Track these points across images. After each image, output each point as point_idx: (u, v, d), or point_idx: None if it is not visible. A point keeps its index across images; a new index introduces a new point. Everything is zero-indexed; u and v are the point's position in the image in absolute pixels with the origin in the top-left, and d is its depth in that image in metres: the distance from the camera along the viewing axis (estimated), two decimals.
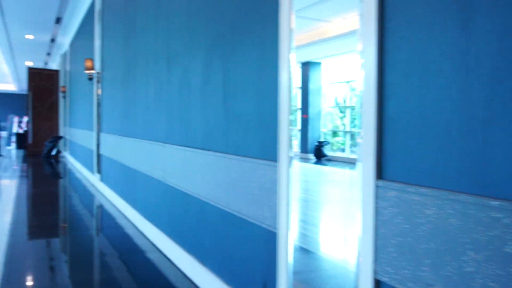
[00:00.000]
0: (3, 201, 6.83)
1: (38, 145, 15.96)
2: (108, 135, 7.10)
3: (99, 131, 7.94)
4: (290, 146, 2.24)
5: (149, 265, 4.02)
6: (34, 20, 11.41)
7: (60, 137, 15.10)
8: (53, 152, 14.86)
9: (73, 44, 13.04)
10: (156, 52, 4.54)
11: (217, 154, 3.06)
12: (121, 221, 5.73)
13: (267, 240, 2.46)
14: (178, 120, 3.85)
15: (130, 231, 5.22)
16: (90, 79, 8.16)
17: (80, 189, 8.47)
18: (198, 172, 3.39)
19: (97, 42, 8.10)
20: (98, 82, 8.01)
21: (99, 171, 7.92)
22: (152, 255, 4.25)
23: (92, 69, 8.01)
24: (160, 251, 4.31)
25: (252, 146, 2.63)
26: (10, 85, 34.47)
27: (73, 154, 12.94)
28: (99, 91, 7.86)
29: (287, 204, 2.24)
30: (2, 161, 13.34)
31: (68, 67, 14.17)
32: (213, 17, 3.20)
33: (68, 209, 6.80)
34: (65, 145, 15.29)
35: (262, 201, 2.49)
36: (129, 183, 5.76)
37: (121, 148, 6.15)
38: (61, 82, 15.96)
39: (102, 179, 7.75)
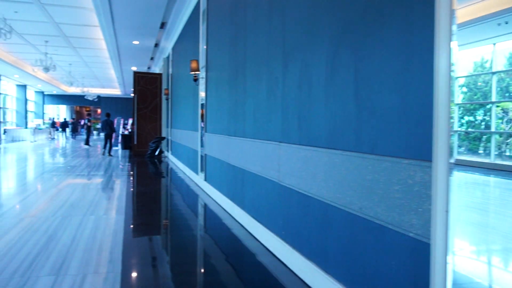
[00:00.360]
0: (115, 200, 7.13)
1: (142, 146, 16.79)
2: (213, 135, 7.14)
3: (203, 131, 8.03)
4: (448, 143, 1.93)
5: (261, 269, 3.87)
6: (141, 26, 11.97)
7: (163, 138, 15.74)
8: (156, 152, 15.53)
9: (175, 47, 13.50)
10: (269, 48, 4.39)
11: (345, 153, 2.81)
12: (227, 221, 5.69)
13: (415, 251, 2.16)
14: (296, 117, 3.66)
15: (238, 232, 5.13)
16: (195, 80, 8.31)
17: (184, 188, 8.65)
18: (321, 173, 3.16)
19: (202, 43, 8.23)
20: (203, 82, 8.13)
21: (203, 171, 8.02)
22: (264, 259, 4.10)
23: (197, 70, 8.14)
24: (273, 255, 4.15)
25: (393, 144, 2.34)
26: (116, 90, 37.00)
27: (175, 154, 13.39)
28: (204, 92, 7.96)
29: (446, 211, 1.93)
30: (111, 161, 14.16)
31: (170, 70, 14.73)
32: (338, 5, 2.96)
33: (173, 208, 6.93)
34: (167, 145, 15.91)
35: (407, 206, 2.20)
36: (237, 183, 5.70)
37: (228, 148, 6.12)
38: (164, 85, 16.65)
39: (206, 179, 7.83)
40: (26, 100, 31.14)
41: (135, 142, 16.79)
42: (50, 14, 12.36)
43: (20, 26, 14.10)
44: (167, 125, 16.27)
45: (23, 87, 30.67)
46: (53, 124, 35.74)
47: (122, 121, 23.85)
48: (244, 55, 5.37)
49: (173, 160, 13.75)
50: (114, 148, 20.78)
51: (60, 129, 35.45)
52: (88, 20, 12.97)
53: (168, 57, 15.78)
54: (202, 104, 8.31)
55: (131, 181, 9.63)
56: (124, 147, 20.00)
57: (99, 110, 41.97)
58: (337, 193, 2.92)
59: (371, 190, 2.52)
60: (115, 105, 39.02)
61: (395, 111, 2.32)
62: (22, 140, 25.51)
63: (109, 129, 16.24)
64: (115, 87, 34.74)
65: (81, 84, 29.50)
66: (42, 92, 36.45)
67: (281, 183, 3.99)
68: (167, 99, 15.24)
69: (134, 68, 20.08)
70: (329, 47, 3.08)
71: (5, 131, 25.66)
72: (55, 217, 5.51)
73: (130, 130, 21.29)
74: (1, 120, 26.57)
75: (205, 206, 6.86)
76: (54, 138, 31.32)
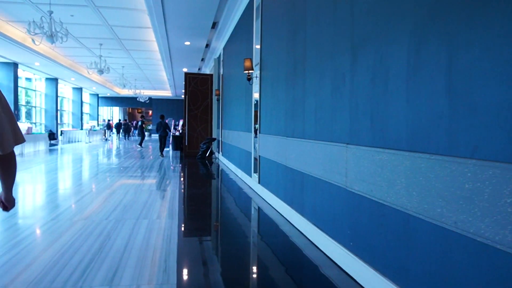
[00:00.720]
0: (168, 203, 6.99)
1: (193, 147, 16.79)
2: (269, 136, 6.85)
3: (257, 132, 7.76)
4: None
5: (326, 283, 3.52)
6: (192, 26, 11.88)
7: (214, 139, 15.65)
8: (207, 154, 15.46)
9: (226, 47, 13.34)
10: (333, 42, 4.03)
11: (434, 157, 2.42)
12: (285, 227, 5.37)
13: None
14: (367, 116, 3.29)
15: (297, 240, 4.79)
16: (249, 79, 8.05)
17: (236, 190, 8.42)
18: (401, 179, 2.78)
19: (256, 41, 7.96)
20: (256, 82, 7.86)
21: (257, 173, 7.75)
22: (329, 271, 3.74)
23: (251, 68, 7.88)
24: (339, 267, 3.78)
25: (502, 146, 1.94)
26: (167, 92, 37.61)
27: (226, 155, 13.22)
28: (258, 91, 7.69)
29: None
30: (162, 162, 14.19)
31: (221, 71, 14.60)
32: None
33: (226, 212, 6.69)
34: (218, 146, 15.80)
35: None
36: (295, 187, 5.38)
37: (285, 150, 5.81)
38: (215, 86, 16.57)
39: (260, 181, 7.55)
40: (81, 102, 32.17)
41: (186, 143, 16.80)
42: (104, 16, 12.52)
43: (76, 29, 14.41)
44: (217, 126, 16.17)
45: (79, 89, 31.71)
46: (108, 126, 36.74)
47: (173, 122, 24.08)
48: (303, 50, 5.03)
49: (224, 162, 13.59)
50: (165, 149, 20.98)
51: (114, 131, 36.47)
52: (140, 21, 13.05)
53: (219, 58, 15.68)
54: (255, 104, 8.05)
55: (183, 182, 9.50)
56: (175, 148, 20.13)
57: (150, 112, 42.84)
58: (422, 203, 2.53)
59: (471, 201, 2.12)
60: (166, 107, 39.69)
61: (505, 107, 1.92)
62: (78, 141, 26.30)
63: (162, 131, 16.34)
64: (166, 89, 35.31)
65: (133, 86, 30.15)
66: (97, 95, 37.60)
67: (349, 189, 3.62)
68: (218, 100, 15.14)
69: (185, 70, 20.18)
70: (412, 37, 2.69)
71: (62, 133, 26.55)
72: (108, 221, 5.40)
73: (180, 131, 21.42)
74: (59, 121, 27.53)
75: (260, 210, 6.58)
76: (107, 139, 32.17)
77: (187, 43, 14.24)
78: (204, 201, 7.70)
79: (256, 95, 7.95)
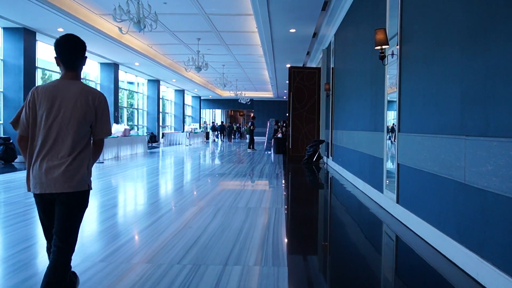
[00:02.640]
0: (270, 233, 5.02)
1: (297, 150, 14.82)
2: (420, 137, 4.58)
3: (394, 131, 5.52)
4: None
5: None
6: (300, 5, 9.89)
7: (322, 141, 13.53)
8: (314, 158, 13.39)
9: (339, 33, 11.19)
10: None
11: None
12: (455, 277, 3.12)
13: None
14: None
15: None
16: (382, 57, 5.81)
17: (360, 211, 6.28)
18: None
19: (392, 6, 5.74)
20: (393, 61, 5.62)
21: (394, 189, 5.50)
22: None
23: (385, 43, 5.65)
24: None
25: None
26: (268, 93, 36.21)
27: (338, 160, 11.05)
28: (397, 74, 5.44)
29: None
30: (264, 168, 12.41)
31: (332, 62, 12.44)
32: None
33: (354, 250, 4.56)
34: (326, 149, 13.66)
35: None
36: (473, 214, 3.10)
37: (458, 156, 3.53)
38: (323, 81, 14.46)
39: (400, 201, 5.30)
40: (183, 104, 31.86)
41: (290, 146, 14.87)
42: (200, 2, 11.01)
43: (170, 21, 13.22)
44: (326, 126, 14.02)
45: (181, 92, 31.41)
46: (213, 128, 36.44)
47: (274, 124, 22.35)
48: None
49: (334, 168, 11.42)
50: (267, 152, 19.29)
51: (218, 133, 36.03)
52: (239, 7, 11.37)
53: (328, 47, 13.53)
54: (390, 94, 5.81)
55: (288, 196, 7.53)
56: (278, 151, 18.33)
57: (252, 114, 41.88)
58: None
59: None
60: (267, 108, 38.34)
61: None
62: (179, 144, 25.70)
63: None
64: (267, 89, 33.87)
65: (234, 87, 29.05)
66: (199, 97, 37.33)
67: None
68: (327, 96, 12.95)
69: (288, 65, 18.29)
70: None
71: (163, 135, 26.15)
72: (181, 267, 3.53)
73: (284, 132, 19.60)
74: (161, 124, 27.26)
75: (408, 249, 4.34)
76: (214, 140, 31.68)
77: (292, 30, 12.30)
78: (319, 231, 5.63)
79: (391, 82, 5.72)
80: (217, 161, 14.71)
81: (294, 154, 14.82)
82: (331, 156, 12.50)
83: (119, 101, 21.29)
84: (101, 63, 19.09)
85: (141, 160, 14.33)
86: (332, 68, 12.45)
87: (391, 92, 5.83)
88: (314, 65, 17.67)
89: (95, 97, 2.52)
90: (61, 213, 2.45)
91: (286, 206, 6.36)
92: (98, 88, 19.07)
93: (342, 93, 10.50)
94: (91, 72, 19.56)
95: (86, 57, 2.62)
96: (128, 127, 16.86)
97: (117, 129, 15.90)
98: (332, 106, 12.36)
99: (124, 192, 8.20)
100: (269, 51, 15.48)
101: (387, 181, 5.97)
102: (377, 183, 6.50)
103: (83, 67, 2.63)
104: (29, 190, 2.49)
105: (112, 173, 10.49)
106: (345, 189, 8.30)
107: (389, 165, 5.94)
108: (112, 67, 19.14)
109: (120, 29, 9.46)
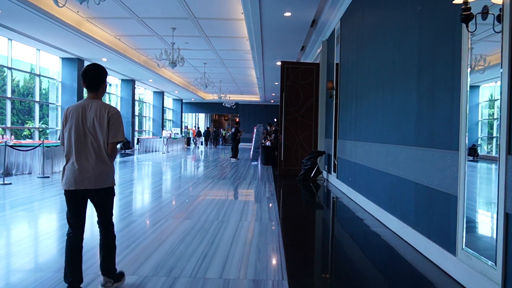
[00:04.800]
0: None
1: (291, 162, 12.31)
2: None
3: (504, 150, 3.01)
4: None
5: None
6: None
7: (322, 153, 11.03)
8: (312, 173, 10.89)
9: (348, 16, 8.75)
10: None
11: None
12: None
13: None
14: None
15: None
16: (466, 19, 3.31)
17: (405, 277, 3.77)
18: None
19: None
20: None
21: (492, 257, 3.00)
22: None
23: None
24: None
25: None
26: (255, 96, 33.72)
27: (346, 179, 8.57)
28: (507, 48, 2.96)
29: None
30: (251, 184, 9.88)
31: (337, 55, 9.96)
32: None
33: None
34: (327, 163, 11.16)
35: None
36: None
37: None
38: (323, 79, 11.99)
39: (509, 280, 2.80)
40: (163, 107, 29.14)
41: (282, 158, 12.33)
42: None
43: (136, 4, 10.67)
44: (326, 135, 11.54)
45: (160, 93, 28.70)
46: (198, 134, 34.16)
47: (262, 129, 19.80)
48: None
49: (341, 188, 8.94)
50: (253, 163, 16.75)
51: (203, 139, 33.56)
52: None
53: (331, 38, 11.07)
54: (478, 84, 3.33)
55: (289, 253, 4.97)
56: (266, 161, 15.78)
57: (237, 118, 39.21)
58: None
59: None
60: (254, 112, 35.83)
61: None
62: (155, 151, 23.01)
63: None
64: (254, 92, 31.38)
65: (218, 89, 26.46)
66: (181, 100, 34.63)
67: None
68: (330, 97, 10.40)
69: (279, 63, 15.80)
70: None
71: (138, 141, 23.44)
72: None
73: (273, 139, 17.07)
74: (136, 128, 24.56)
75: None
76: (198, 147, 29.45)
77: (287, 14, 9.80)
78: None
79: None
80: (191, 176, 12.10)
81: (287, 167, 12.29)
82: (334, 172, 10.00)
83: None
84: (63, 58, 16.42)
85: None
86: (337, 63, 9.97)
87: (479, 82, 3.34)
88: (310, 61, 15.18)
89: (109, 110, 3.21)
90: (98, 205, 3.30)
91: (287, 277, 3.79)
92: (60, 87, 16.41)
93: (354, 92, 8.01)
94: (51, 68, 16.85)
95: (106, 82, 3.34)
96: None
97: None
98: (336, 110, 9.87)
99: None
100: (258, 44, 12.95)
101: (464, 236, 3.47)
102: (440, 235, 3.98)
103: (105, 90, 3.38)
104: (63, 188, 3.16)
105: (46, 194, 7.86)
106: (364, 225, 5.80)
107: (470, 206, 3.45)
108: (76, 63, 16.46)
109: (55, 0, 6.87)
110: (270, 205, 7.00)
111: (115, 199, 3.49)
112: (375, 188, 6.33)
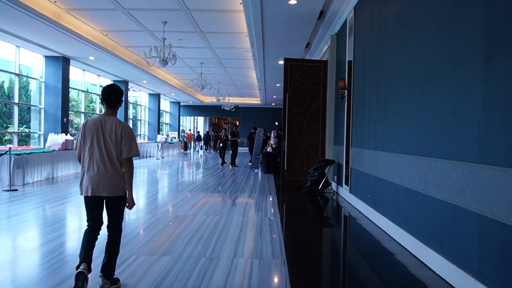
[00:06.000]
0: None
1: (295, 172, 10.94)
2: None
3: None
4: None
5: None
6: None
7: (331, 162, 9.66)
8: (320, 186, 9.53)
9: (365, 2, 7.41)
10: None
11: None
12: None
13: None
14: None
15: None
16: None
17: None
18: None
19: None
20: None
21: None
22: None
23: None
24: None
25: None
26: (255, 99, 32.40)
27: (363, 195, 7.22)
28: None
29: None
30: (248, 205, 8.57)
31: (349, 51, 8.61)
32: None
33: None
34: (337, 174, 9.79)
35: None
36: None
37: None
38: (331, 78, 10.63)
39: None
40: (159, 110, 27.76)
41: (285, 167, 10.96)
42: None
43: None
44: (336, 141, 10.18)
45: (156, 96, 27.34)
46: (198, 138, 33.12)
47: (263, 134, 18.42)
48: None
49: (356, 205, 7.59)
50: (255, 170, 15.38)
51: (203, 143, 32.30)
52: None
53: (341, 31, 9.73)
54: None
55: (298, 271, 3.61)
56: (267, 169, 14.41)
57: (237, 122, 37.81)
58: None
59: None
60: (254, 116, 34.46)
61: None
62: (150, 156, 21.66)
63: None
64: (254, 95, 30.03)
65: (216, 91, 25.08)
66: (178, 103, 33.24)
67: None
68: (342, 98, 9.01)
69: (281, 62, 14.46)
70: None
71: None
72: None
73: (274, 145, 15.68)
74: None
75: None
76: (198, 151, 28.41)
77: (292, 1, 8.44)
78: None
79: None
80: (181, 188, 10.72)
81: (291, 177, 10.92)
82: (346, 184, 8.64)
83: (71, 103, 17.22)
84: (46, 56, 15.03)
85: (70, 186, 10.30)
86: (349, 60, 8.62)
87: None
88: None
89: (122, 128, 3.54)
90: (109, 210, 3.60)
91: None
92: (43, 87, 15.02)
93: (374, 91, 6.64)
94: (34, 66, 15.51)
95: (122, 100, 3.69)
96: (72, 138, 12.78)
97: (53, 140, 11.84)
98: (349, 113, 8.50)
99: None
100: (258, 40, 11.60)
101: None
102: None
103: (119, 107, 3.72)
104: (81, 194, 3.54)
105: (10, 212, 6.49)
106: (408, 271, 4.41)
107: None
108: (60, 62, 15.07)
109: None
110: (274, 235, 5.60)
111: None
112: (407, 212, 4.96)
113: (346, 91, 8.71)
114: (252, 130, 18.97)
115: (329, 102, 10.71)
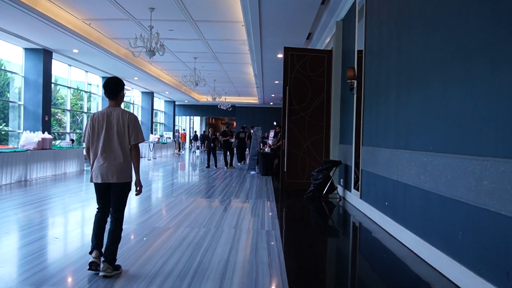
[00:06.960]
0: None
1: (296, 174, 9.81)
2: None
3: None
4: None
5: None
6: None
7: (338, 163, 8.52)
8: (325, 190, 8.40)
9: None
10: None
11: None
12: None
13: None
14: None
15: None
16: None
17: None
18: None
19: None
20: None
21: None
22: None
23: None
24: None
25: None
26: (253, 98, 31.33)
27: (378, 203, 6.10)
28: None
29: None
30: (243, 210, 7.45)
31: (360, 38, 7.49)
32: None
33: None
34: (344, 176, 8.67)
35: None
36: None
37: None
38: (337, 71, 9.50)
39: None
40: (152, 109, 26.59)
41: (285, 169, 9.82)
42: None
43: None
44: (342, 140, 9.06)
45: (149, 94, 26.19)
46: (195, 138, 32.07)
47: (260, 133, 17.30)
48: None
49: (368, 214, 6.48)
50: (251, 172, 14.26)
51: (200, 144, 31.22)
52: None
53: (349, 15, 8.61)
54: None
55: None
56: (265, 172, 13.29)
57: (234, 123, 36.66)
58: None
59: None
60: (252, 115, 33.38)
61: None
62: (141, 157, 20.52)
63: None
64: (252, 94, 28.94)
65: (212, 89, 23.92)
66: (173, 102, 32.08)
67: None
68: (351, 89, 7.86)
69: (280, 55, 13.35)
70: None
71: None
72: None
73: (273, 146, 14.55)
74: None
75: None
76: (194, 152, 28.05)
77: None
78: None
79: None
80: (168, 192, 9.59)
81: (291, 180, 9.79)
82: (355, 189, 7.52)
83: (53, 100, 16.08)
84: (26, 49, 13.90)
85: (42, 191, 9.15)
86: (359, 49, 7.51)
87: None
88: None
89: (128, 116, 3.80)
90: (115, 196, 3.78)
91: None
92: (23, 81, 13.86)
93: (394, 80, 5.51)
94: (13, 59, 14.38)
95: (124, 92, 3.94)
96: (50, 136, 11.61)
97: (27, 139, 10.68)
98: (359, 107, 7.37)
99: None
100: (255, 28, 10.47)
101: None
102: None
103: (123, 99, 3.97)
104: (91, 181, 3.78)
105: None
106: (406, 268, 3.30)
107: None
108: (41, 54, 13.93)
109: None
110: (272, 258, 4.45)
111: None
112: (445, 228, 3.83)
113: (355, 82, 7.58)
114: (241, 129, 17.90)
115: (334, 96, 9.58)
